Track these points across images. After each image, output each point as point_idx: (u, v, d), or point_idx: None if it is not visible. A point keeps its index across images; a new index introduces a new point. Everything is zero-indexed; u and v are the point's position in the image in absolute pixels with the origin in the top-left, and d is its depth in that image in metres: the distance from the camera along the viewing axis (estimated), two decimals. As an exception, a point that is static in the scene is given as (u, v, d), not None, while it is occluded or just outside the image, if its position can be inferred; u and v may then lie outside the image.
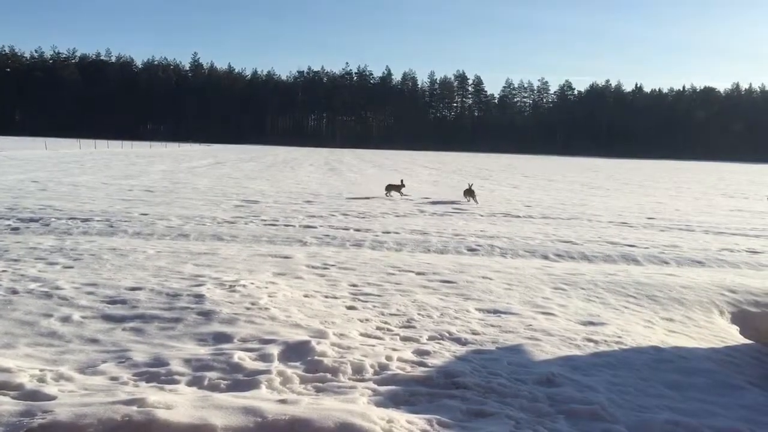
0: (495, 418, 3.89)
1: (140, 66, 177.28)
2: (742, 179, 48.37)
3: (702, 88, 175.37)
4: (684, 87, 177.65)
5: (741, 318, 7.30)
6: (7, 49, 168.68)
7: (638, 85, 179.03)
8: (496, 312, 6.63)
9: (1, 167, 30.31)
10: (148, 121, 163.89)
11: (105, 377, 4.37)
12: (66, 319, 5.70)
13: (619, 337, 5.97)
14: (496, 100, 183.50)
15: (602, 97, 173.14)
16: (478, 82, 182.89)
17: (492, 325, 6.09)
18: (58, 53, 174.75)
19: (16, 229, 11.71)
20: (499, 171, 48.31)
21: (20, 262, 8.29)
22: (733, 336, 6.58)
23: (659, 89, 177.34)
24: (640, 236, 13.71)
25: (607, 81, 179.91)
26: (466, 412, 3.96)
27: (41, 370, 4.37)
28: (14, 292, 6.55)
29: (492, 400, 4.17)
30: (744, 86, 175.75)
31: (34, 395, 3.92)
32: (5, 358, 4.60)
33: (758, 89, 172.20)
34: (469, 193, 19.73)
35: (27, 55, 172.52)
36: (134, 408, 3.50)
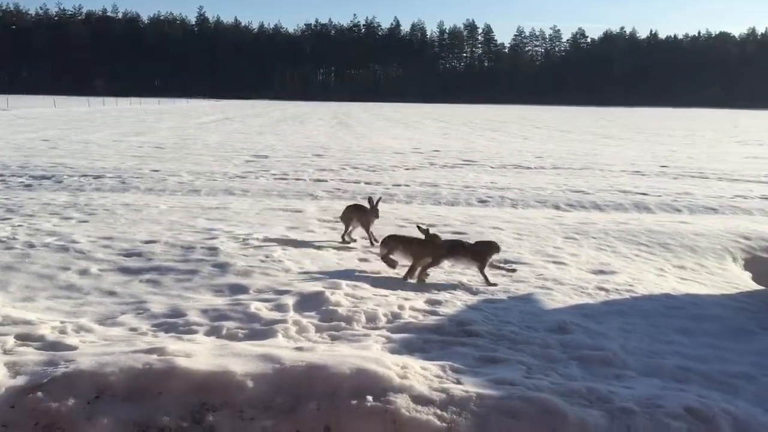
0: (507, 364, 3.96)
1: (146, 21, 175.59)
2: (759, 126, 47.77)
3: (717, 33, 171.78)
4: (699, 32, 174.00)
5: (754, 264, 7.30)
6: (12, 6, 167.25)
7: (653, 32, 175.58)
8: (507, 262, 6.67)
9: (10, 126, 30.37)
10: (155, 77, 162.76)
11: (124, 328, 4.46)
12: (84, 272, 5.79)
13: (631, 285, 6.00)
14: (506, 50, 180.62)
15: (617, 44, 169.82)
16: (488, 31, 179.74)
17: (503, 275, 6.13)
18: (64, 10, 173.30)
19: (29, 185, 11.82)
20: (509, 122, 47.91)
21: (35, 217, 8.38)
22: (746, 282, 6.60)
23: (674, 35, 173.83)
24: (653, 184, 13.65)
25: (622, 28, 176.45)
26: (479, 358, 4.02)
27: (62, 322, 4.46)
28: (31, 245, 6.64)
29: (504, 347, 4.23)
30: (760, 30, 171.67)
31: (56, 346, 4.01)
32: (26, 311, 4.70)
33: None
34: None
35: (32, 11, 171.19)
36: (154, 356, 3.59)
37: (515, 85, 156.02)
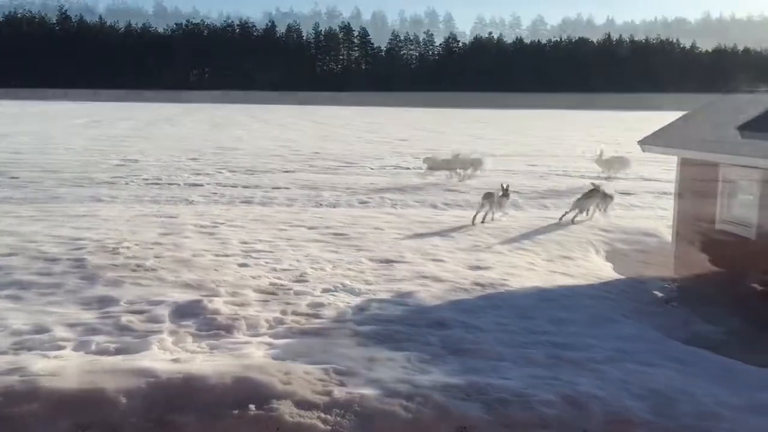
0: (391, 362, 4.00)
1: (1, 19, 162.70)
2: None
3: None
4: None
5: (614, 255, 7.84)
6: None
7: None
8: (388, 261, 6.76)
9: None
10: (11, 78, 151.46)
11: (-20, 348, 4.10)
12: (-69, 291, 5.28)
13: (504, 279, 6.25)
14: (383, 53, 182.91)
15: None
16: (364, 35, 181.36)
17: (384, 274, 6.21)
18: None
19: None
20: (385, 124, 48.58)
21: None
22: (608, 273, 7.06)
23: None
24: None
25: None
26: (363, 359, 4.05)
27: None
28: None
29: (387, 348, 4.28)
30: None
31: None
32: None
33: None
34: None
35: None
36: (16, 377, 3.34)
37: (391, 86, 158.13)
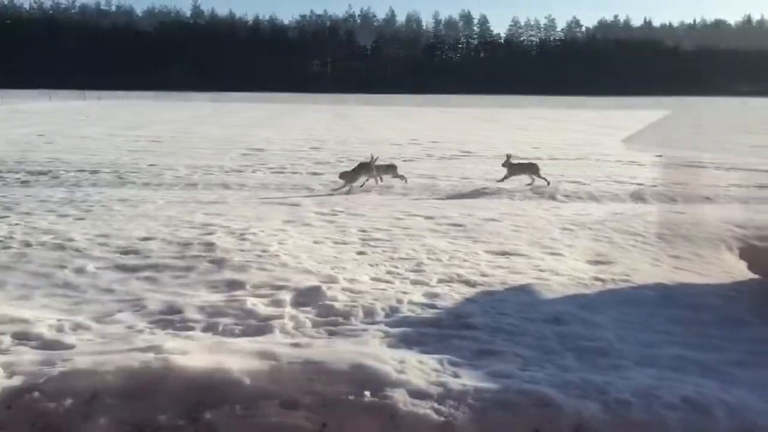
0: (503, 356, 3.97)
1: (140, 15, 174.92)
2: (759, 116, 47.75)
3: (712, 21, 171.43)
4: (695, 20, 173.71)
5: (749, 254, 7.31)
6: (6, 1, 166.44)
7: (647, 20, 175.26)
8: (504, 253, 6.67)
9: (6, 121, 30.27)
10: (149, 71, 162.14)
11: (121, 326, 4.46)
12: (80, 270, 5.78)
13: (627, 275, 6.01)
14: (502, 40, 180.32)
15: (612, 33, 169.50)
16: (484, 22, 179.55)
17: (500, 267, 6.14)
18: (58, 3, 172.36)
19: (25, 182, 11.77)
20: (506, 113, 47.87)
21: (32, 215, 8.35)
22: (741, 272, 6.60)
23: (669, 23, 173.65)
24: (649, 174, 13.64)
25: (616, 16, 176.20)
26: (476, 351, 4.03)
27: (59, 320, 4.46)
28: (28, 244, 6.63)
29: (500, 339, 4.24)
30: (756, 18, 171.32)
31: (53, 344, 4.02)
32: (23, 309, 4.70)
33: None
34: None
35: (26, 6, 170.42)
36: (151, 355, 3.59)
37: (511, 75, 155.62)
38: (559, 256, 6.65)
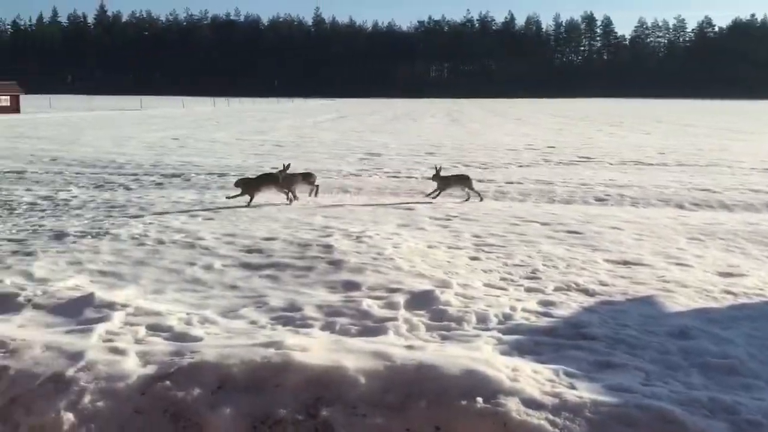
0: (623, 369, 3.82)
1: (266, 24, 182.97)
2: None
3: None
4: None
5: None
6: (144, 14, 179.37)
7: None
8: (626, 263, 6.42)
9: (143, 126, 32.52)
10: (275, 77, 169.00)
11: (245, 321, 4.69)
12: (208, 267, 6.13)
13: (761, 289, 5.62)
14: (627, 42, 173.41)
15: (746, 32, 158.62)
16: (607, 23, 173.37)
17: (622, 277, 5.91)
18: (191, 15, 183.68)
19: (159, 184, 12.62)
20: (630, 117, 45.97)
21: (165, 214, 8.95)
22: None
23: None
24: (789, 183, 12.68)
25: (753, 15, 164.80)
26: (593, 363, 3.91)
27: (188, 314, 4.75)
28: (161, 242, 7.12)
29: (620, 352, 4.09)
30: None
31: (183, 336, 4.29)
32: (157, 302, 5.05)
33: None
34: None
35: (162, 18, 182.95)
36: (272, 350, 3.75)
37: (636, 78, 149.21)
38: (686, 267, 6.31)
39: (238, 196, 9.85)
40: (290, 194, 10.09)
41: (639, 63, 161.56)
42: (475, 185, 10.84)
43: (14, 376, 3.64)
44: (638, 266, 6.32)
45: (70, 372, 3.62)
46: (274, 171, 10.19)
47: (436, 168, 10.73)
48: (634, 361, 3.96)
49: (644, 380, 3.68)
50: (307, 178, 10.66)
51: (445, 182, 10.62)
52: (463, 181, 10.74)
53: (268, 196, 10.08)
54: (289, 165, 10.33)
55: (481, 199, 10.49)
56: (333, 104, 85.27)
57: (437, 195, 10.58)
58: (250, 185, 9.96)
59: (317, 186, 10.67)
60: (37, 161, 16.62)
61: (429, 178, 10.94)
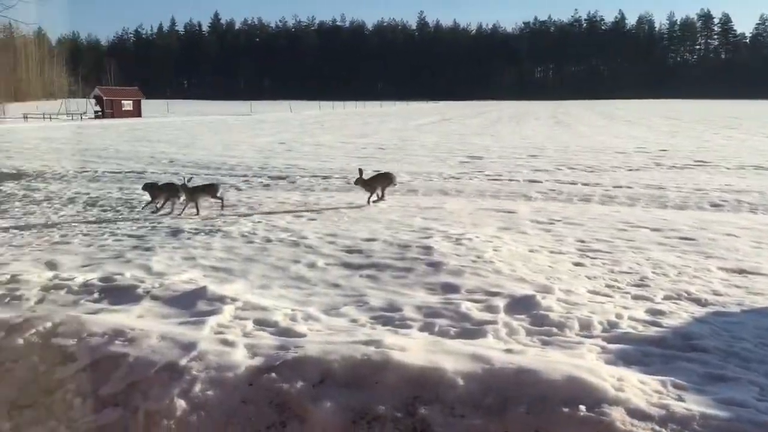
0: (736, 383, 3.61)
1: (371, 29, 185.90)
2: None
3: None
4: None
5: None
6: (256, 21, 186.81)
7: None
8: (742, 272, 6.06)
9: (253, 130, 33.84)
10: (378, 81, 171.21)
11: (346, 319, 4.79)
12: (312, 265, 6.31)
13: None
14: (747, 40, 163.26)
15: None
16: (726, 21, 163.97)
17: (737, 286, 5.59)
18: (299, 21, 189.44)
19: (267, 185, 13.11)
20: (749, 119, 43.31)
21: (272, 214, 9.28)
22: None
23: None
24: None
25: None
26: (704, 375, 3.72)
27: (292, 310, 4.91)
28: (268, 240, 7.40)
29: (733, 365, 3.87)
30: None
31: (287, 332, 4.44)
32: (264, 298, 5.26)
33: None
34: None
35: (272, 24, 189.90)
36: (372, 348, 3.81)
37: (757, 78, 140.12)
38: (811, 279, 5.88)
39: (150, 202, 9.87)
40: (194, 205, 9.60)
41: (760, 62, 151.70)
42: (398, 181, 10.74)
43: (132, 363, 3.89)
44: (755, 275, 5.95)
45: (184, 361, 3.83)
46: (178, 182, 9.71)
47: (359, 171, 10.41)
48: (749, 375, 3.74)
49: (759, 395, 3.47)
50: (209, 190, 9.84)
51: (369, 184, 10.24)
52: (385, 179, 10.35)
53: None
54: (191, 177, 10.07)
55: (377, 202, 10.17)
56: (436, 107, 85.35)
57: (375, 200, 10.19)
58: (153, 190, 9.86)
59: (221, 198, 9.93)
60: (156, 162, 17.72)
61: (354, 183, 10.61)
